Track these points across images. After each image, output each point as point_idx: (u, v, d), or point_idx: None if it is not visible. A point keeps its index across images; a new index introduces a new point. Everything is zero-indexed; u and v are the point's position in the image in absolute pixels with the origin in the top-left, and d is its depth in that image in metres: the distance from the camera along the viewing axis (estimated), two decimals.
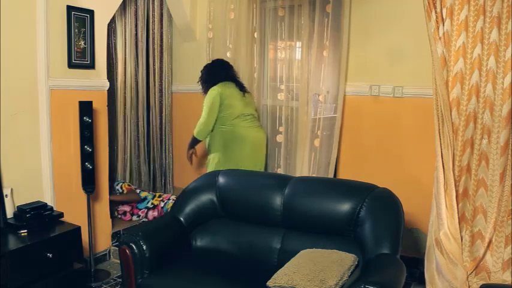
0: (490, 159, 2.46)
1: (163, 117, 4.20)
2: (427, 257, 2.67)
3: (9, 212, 2.53)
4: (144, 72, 4.14)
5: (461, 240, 2.56)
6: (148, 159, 4.29)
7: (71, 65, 2.85)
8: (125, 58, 4.09)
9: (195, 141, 3.49)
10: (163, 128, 4.21)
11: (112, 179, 3.84)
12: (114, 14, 3.39)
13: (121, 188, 3.95)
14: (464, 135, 2.51)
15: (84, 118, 2.85)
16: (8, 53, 2.50)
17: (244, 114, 3.36)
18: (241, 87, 3.43)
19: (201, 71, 3.49)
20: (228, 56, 3.69)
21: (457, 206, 2.55)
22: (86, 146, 2.88)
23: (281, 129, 3.56)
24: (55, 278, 2.42)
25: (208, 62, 3.57)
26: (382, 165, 3.16)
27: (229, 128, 3.32)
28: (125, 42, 4.07)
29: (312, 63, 3.32)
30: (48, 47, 2.70)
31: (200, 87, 3.50)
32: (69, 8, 2.79)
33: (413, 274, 2.92)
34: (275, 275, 1.94)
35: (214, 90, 3.30)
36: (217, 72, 3.41)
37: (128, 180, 4.21)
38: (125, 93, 4.13)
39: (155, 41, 4.08)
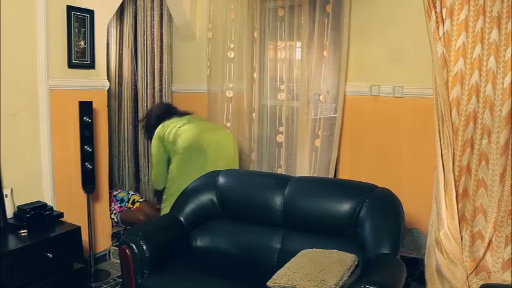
0: (490, 159, 2.46)
1: None
2: (427, 257, 2.67)
3: (9, 212, 2.53)
4: (144, 72, 4.14)
5: (461, 240, 2.56)
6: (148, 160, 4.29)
7: (71, 65, 2.85)
8: (124, 58, 4.09)
9: (159, 192, 3.32)
10: None
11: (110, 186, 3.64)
12: (114, 14, 3.39)
13: (131, 201, 3.78)
14: (464, 135, 2.51)
15: (84, 118, 2.85)
16: (8, 53, 2.50)
17: (194, 118, 3.31)
18: (180, 114, 3.38)
19: (148, 121, 3.44)
20: (228, 56, 3.70)
21: (457, 206, 2.55)
22: (86, 146, 2.88)
23: (281, 129, 3.55)
24: (55, 278, 2.42)
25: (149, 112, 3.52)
26: (382, 165, 3.16)
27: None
28: (124, 42, 4.07)
29: (312, 63, 3.32)
30: (48, 47, 2.70)
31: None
32: (69, 8, 2.79)
33: (413, 274, 2.92)
34: (275, 275, 1.94)
35: (154, 136, 3.24)
36: (152, 117, 3.38)
37: (126, 181, 4.19)
38: (123, 93, 4.14)
39: (155, 41, 4.08)
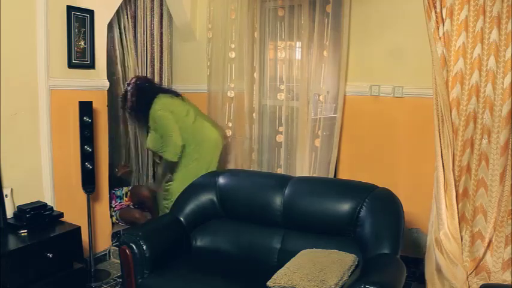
0: (490, 159, 2.46)
1: None
2: (427, 257, 2.67)
3: (9, 212, 2.53)
4: (144, 72, 4.13)
5: (461, 240, 2.56)
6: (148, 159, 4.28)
7: (71, 65, 2.85)
8: (125, 58, 4.09)
9: (169, 165, 3.40)
10: None
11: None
12: (114, 14, 3.39)
13: (124, 194, 3.82)
14: (464, 135, 2.51)
15: (84, 118, 2.85)
16: (8, 53, 2.50)
17: (195, 115, 3.39)
18: (175, 94, 3.47)
19: (126, 98, 3.39)
20: (229, 56, 3.69)
21: (457, 206, 2.55)
22: (86, 146, 2.88)
23: (281, 129, 3.55)
24: (55, 278, 2.42)
25: (128, 87, 3.43)
26: (382, 165, 3.16)
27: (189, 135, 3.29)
28: (124, 42, 4.06)
29: (312, 63, 3.32)
30: (48, 47, 2.70)
31: (132, 113, 3.44)
32: (69, 8, 2.79)
33: (414, 274, 2.92)
34: (275, 275, 1.94)
35: (159, 109, 3.27)
36: (147, 92, 3.36)
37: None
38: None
39: (155, 41, 4.08)
